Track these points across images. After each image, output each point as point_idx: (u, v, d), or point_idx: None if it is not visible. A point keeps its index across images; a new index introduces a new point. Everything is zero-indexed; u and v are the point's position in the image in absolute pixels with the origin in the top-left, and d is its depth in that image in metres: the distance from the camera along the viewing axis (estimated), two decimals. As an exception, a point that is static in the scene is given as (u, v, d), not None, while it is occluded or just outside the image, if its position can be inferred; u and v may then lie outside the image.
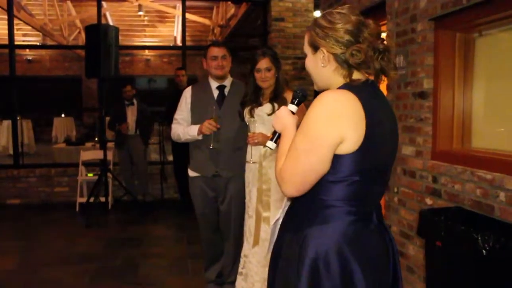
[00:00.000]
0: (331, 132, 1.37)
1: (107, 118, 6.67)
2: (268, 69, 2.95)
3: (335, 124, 1.37)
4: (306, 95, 1.66)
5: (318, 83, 1.56)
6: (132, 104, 6.48)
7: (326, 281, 1.41)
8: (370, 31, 1.45)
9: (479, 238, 2.23)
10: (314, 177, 1.41)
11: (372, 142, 1.40)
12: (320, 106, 1.39)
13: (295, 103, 1.63)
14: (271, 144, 1.64)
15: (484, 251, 2.21)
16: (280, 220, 1.66)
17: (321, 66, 1.49)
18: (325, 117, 1.38)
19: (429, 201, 3.09)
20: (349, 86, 1.44)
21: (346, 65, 1.46)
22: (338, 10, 1.48)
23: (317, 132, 1.37)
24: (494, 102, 2.95)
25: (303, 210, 1.50)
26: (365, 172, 1.43)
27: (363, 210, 1.47)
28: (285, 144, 1.50)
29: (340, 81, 1.48)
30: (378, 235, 1.51)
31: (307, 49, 1.54)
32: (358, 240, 1.44)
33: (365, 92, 1.43)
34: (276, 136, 1.62)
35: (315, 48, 1.49)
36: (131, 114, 6.45)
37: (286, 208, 1.64)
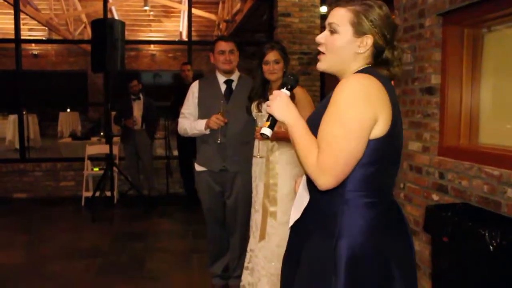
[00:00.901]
0: (367, 114, 1.36)
1: (113, 113, 6.68)
2: (277, 62, 2.94)
3: (369, 105, 1.36)
4: (298, 79, 1.61)
5: (334, 63, 1.52)
6: (139, 98, 6.49)
7: (365, 278, 1.41)
8: (399, 38, 1.49)
9: (486, 234, 2.22)
10: (354, 163, 1.38)
11: (395, 128, 1.42)
12: (351, 89, 1.37)
13: (289, 88, 1.57)
14: (268, 131, 1.54)
15: (491, 247, 2.21)
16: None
17: (356, 50, 1.48)
18: (358, 99, 1.36)
19: (435, 197, 3.08)
20: (372, 72, 1.45)
21: (375, 58, 1.49)
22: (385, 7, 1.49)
23: (353, 115, 1.35)
24: (502, 98, 2.93)
25: (325, 207, 1.49)
26: (385, 159, 1.44)
27: (385, 201, 1.49)
28: (302, 135, 1.43)
29: (356, 67, 1.49)
30: (401, 223, 1.54)
31: (344, 27, 1.47)
32: (387, 230, 1.46)
33: (385, 81, 1.45)
34: (273, 122, 1.54)
35: (360, 32, 1.46)
36: (137, 109, 6.46)
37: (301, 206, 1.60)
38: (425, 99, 3.20)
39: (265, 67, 2.96)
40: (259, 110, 3.00)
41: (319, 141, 1.39)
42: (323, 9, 7.10)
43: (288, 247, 1.68)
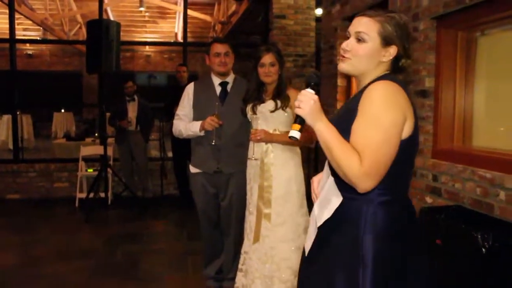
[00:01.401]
0: (400, 118, 1.47)
1: (108, 114, 6.67)
2: (272, 64, 2.95)
3: (400, 109, 1.47)
4: (320, 77, 1.62)
5: (359, 68, 1.59)
6: (133, 100, 6.48)
7: (390, 269, 1.52)
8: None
9: (479, 236, 2.24)
10: (390, 165, 1.47)
11: (416, 130, 1.55)
12: (383, 96, 1.46)
13: (312, 85, 1.56)
14: (298, 134, 1.52)
15: (484, 250, 2.22)
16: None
17: (381, 59, 1.58)
18: (391, 105, 1.46)
19: (429, 199, 3.09)
20: (393, 78, 1.56)
21: (394, 66, 1.61)
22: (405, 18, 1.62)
23: (390, 121, 1.44)
24: (495, 101, 2.95)
25: (350, 205, 1.56)
26: (407, 159, 1.56)
27: (404, 198, 1.62)
28: (336, 139, 1.47)
29: (377, 74, 1.59)
30: (416, 220, 1.68)
31: (373, 37, 1.55)
32: (409, 224, 1.59)
33: (404, 86, 1.56)
34: (302, 125, 1.53)
35: (388, 43, 1.56)
36: (132, 110, 6.45)
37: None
38: (419, 102, 3.21)
39: (260, 70, 2.97)
40: (254, 112, 3.01)
41: (359, 146, 1.44)
42: (318, 11, 7.11)
43: (314, 245, 1.71)
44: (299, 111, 1.51)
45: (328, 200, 1.62)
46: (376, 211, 1.53)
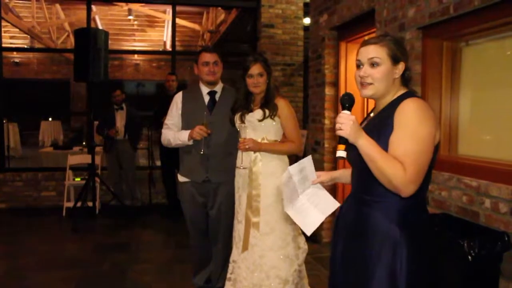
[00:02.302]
0: (433, 130, 1.68)
1: (96, 123, 6.64)
2: (261, 75, 2.97)
3: (433, 124, 1.68)
4: (353, 97, 1.74)
5: (380, 89, 1.79)
6: (122, 108, 6.46)
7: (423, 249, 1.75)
8: None
9: (465, 244, 2.26)
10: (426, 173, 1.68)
11: (438, 142, 1.76)
12: (419, 111, 1.67)
13: (347, 107, 1.71)
14: (343, 153, 1.69)
15: (470, 257, 2.25)
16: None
17: (394, 76, 1.79)
18: (424, 118, 1.66)
19: (416, 207, 3.11)
20: (415, 94, 1.80)
21: (404, 79, 1.83)
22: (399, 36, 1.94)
23: (427, 133, 1.65)
24: (480, 110, 3.00)
25: (381, 212, 1.75)
26: (431, 166, 1.73)
27: (424, 200, 1.84)
28: (379, 152, 1.65)
29: (395, 89, 1.81)
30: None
31: (384, 59, 1.77)
32: (429, 225, 1.86)
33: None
34: (347, 144, 1.68)
35: (396, 60, 1.78)
36: (120, 119, 6.43)
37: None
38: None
39: (249, 80, 2.98)
40: (242, 121, 3.02)
41: (400, 156, 1.63)
42: (306, 20, 7.17)
43: (344, 249, 1.91)
44: (341, 133, 1.66)
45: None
46: (407, 212, 1.73)
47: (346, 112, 1.69)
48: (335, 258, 1.94)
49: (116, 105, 6.43)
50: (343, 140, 1.68)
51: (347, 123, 1.65)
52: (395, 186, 1.63)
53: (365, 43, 1.82)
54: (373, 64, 1.77)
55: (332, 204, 1.99)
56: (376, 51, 1.78)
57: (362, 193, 1.83)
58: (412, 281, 1.69)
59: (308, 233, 1.92)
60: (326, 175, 2.05)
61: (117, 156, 6.44)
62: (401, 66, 1.79)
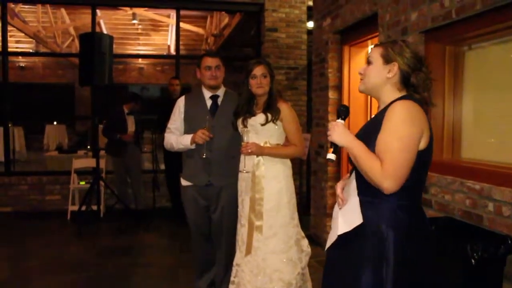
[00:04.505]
0: (417, 132, 1.74)
1: (100, 126, 6.63)
2: (264, 76, 2.98)
3: (418, 124, 1.75)
4: (348, 108, 1.92)
5: (369, 84, 1.92)
6: (131, 113, 6.46)
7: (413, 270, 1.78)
8: (426, 68, 1.89)
9: (468, 247, 2.26)
10: (409, 170, 1.73)
11: (431, 143, 1.82)
12: (403, 112, 1.74)
13: (343, 117, 1.89)
14: (333, 156, 1.85)
15: (473, 261, 2.24)
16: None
17: (387, 76, 1.87)
18: (410, 119, 1.73)
19: (419, 211, 3.11)
20: (412, 98, 1.83)
21: (404, 82, 1.87)
22: (403, 40, 2.00)
23: (408, 132, 1.72)
24: (483, 114, 3.00)
25: (374, 210, 1.80)
26: (423, 168, 1.82)
27: (419, 202, 1.89)
28: (363, 152, 1.76)
29: (392, 91, 1.88)
30: (426, 222, 1.94)
31: (376, 58, 1.89)
32: (423, 228, 1.89)
33: (421, 104, 1.83)
34: (335, 148, 1.85)
35: (388, 60, 1.87)
36: (131, 124, 6.41)
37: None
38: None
39: (252, 81, 3.00)
40: (245, 125, 3.03)
41: (381, 153, 1.74)
42: (310, 24, 7.18)
43: (335, 246, 1.96)
44: (329, 138, 1.85)
45: (352, 216, 1.86)
46: (396, 211, 1.78)
47: (339, 121, 1.87)
48: (328, 259, 2.05)
49: (131, 113, 6.42)
50: (331, 145, 1.86)
51: (334, 129, 1.84)
52: (374, 183, 1.74)
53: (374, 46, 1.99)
54: (369, 62, 1.93)
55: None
56: (373, 51, 1.93)
57: (359, 194, 1.89)
58: (398, 281, 1.73)
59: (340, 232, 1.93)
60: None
61: (125, 160, 6.39)
62: (394, 67, 1.86)
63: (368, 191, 1.82)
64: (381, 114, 1.84)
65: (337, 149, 1.86)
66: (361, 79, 1.96)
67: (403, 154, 1.71)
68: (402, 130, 1.72)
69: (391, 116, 1.76)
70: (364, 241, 1.80)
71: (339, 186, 2.03)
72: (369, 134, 1.84)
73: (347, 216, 1.89)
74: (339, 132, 1.83)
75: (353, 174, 1.93)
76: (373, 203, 1.82)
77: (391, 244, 1.74)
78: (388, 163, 1.70)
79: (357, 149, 1.78)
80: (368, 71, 1.92)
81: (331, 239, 1.98)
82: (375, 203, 1.81)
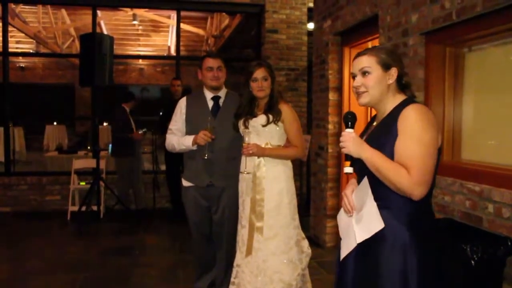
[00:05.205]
0: (435, 134, 1.76)
1: (101, 126, 6.64)
2: (265, 78, 2.99)
3: (435, 128, 1.76)
4: (355, 115, 1.87)
5: (375, 95, 1.88)
6: (132, 113, 6.48)
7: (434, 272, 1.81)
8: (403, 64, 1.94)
9: (468, 249, 2.26)
10: (434, 175, 1.76)
11: (441, 145, 1.82)
12: (420, 117, 1.74)
13: (350, 126, 1.84)
14: (350, 169, 1.80)
15: (473, 262, 2.25)
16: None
17: (387, 82, 1.86)
18: (428, 124, 1.74)
19: (419, 212, 3.11)
20: (416, 101, 1.86)
21: (401, 84, 1.90)
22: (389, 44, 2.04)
23: (429, 137, 1.73)
24: (483, 115, 3.00)
25: (392, 217, 1.79)
26: (436, 170, 1.79)
27: (430, 204, 1.89)
28: (384, 161, 1.74)
29: (393, 96, 1.88)
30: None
31: (374, 67, 1.86)
32: (435, 228, 1.95)
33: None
34: (352, 160, 1.80)
35: (387, 66, 1.86)
36: (134, 123, 6.43)
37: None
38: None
39: (253, 84, 3.00)
40: (246, 127, 3.04)
41: (405, 160, 1.72)
42: (310, 26, 7.19)
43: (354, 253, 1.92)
44: (344, 150, 1.81)
45: (370, 223, 1.83)
46: (415, 215, 1.78)
47: (349, 130, 1.82)
48: (345, 264, 1.96)
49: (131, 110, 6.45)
50: (349, 157, 1.81)
51: (348, 140, 1.79)
52: (403, 191, 1.72)
53: (356, 56, 1.93)
54: (364, 73, 1.87)
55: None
56: (366, 61, 1.88)
57: (375, 199, 1.85)
58: (423, 283, 1.75)
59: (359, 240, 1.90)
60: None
61: (132, 160, 6.38)
62: (393, 72, 1.86)
63: (384, 196, 1.80)
64: (389, 120, 1.83)
65: (353, 162, 1.81)
66: (361, 92, 1.89)
67: (429, 159, 1.72)
68: (425, 135, 1.72)
69: (410, 122, 1.74)
70: (385, 247, 1.79)
71: (347, 194, 1.99)
72: (380, 140, 1.82)
73: (364, 223, 1.86)
74: (354, 143, 1.78)
75: (365, 181, 1.88)
76: (390, 208, 1.80)
77: (414, 249, 1.75)
78: (416, 170, 1.69)
79: (377, 158, 1.75)
80: (369, 82, 1.87)
81: (347, 247, 1.94)
82: (393, 208, 1.80)
